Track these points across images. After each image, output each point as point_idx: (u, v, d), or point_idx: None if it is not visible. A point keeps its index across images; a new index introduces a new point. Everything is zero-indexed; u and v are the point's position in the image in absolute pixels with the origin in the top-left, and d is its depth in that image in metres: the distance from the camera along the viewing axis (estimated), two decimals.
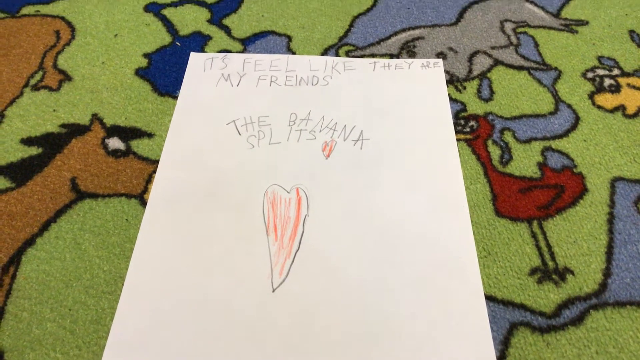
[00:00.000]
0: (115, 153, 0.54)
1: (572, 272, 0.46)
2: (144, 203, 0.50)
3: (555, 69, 0.63)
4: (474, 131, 0.56)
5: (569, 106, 0.59)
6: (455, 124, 0.57)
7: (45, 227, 0.49)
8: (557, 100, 0.59)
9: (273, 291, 0.44)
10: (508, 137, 0.56)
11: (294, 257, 0.46)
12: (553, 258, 0.47)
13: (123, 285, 0.45)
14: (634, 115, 0.58)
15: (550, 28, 0.68)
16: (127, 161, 0.54)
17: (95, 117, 0.57)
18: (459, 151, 0.54)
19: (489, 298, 0.44)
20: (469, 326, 0.42)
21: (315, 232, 0.48)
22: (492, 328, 0.43)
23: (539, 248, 0.47)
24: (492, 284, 0.45)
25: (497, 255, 0.47)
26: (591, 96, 0.60)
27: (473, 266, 0.46)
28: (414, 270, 0.45)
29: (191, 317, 0.43)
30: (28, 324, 0.43)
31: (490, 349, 0.41)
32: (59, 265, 0.46)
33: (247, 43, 0.66)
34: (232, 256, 0.46)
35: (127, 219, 0.49)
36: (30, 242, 0.48)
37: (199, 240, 0.47)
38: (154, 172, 0.52)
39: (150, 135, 0.56)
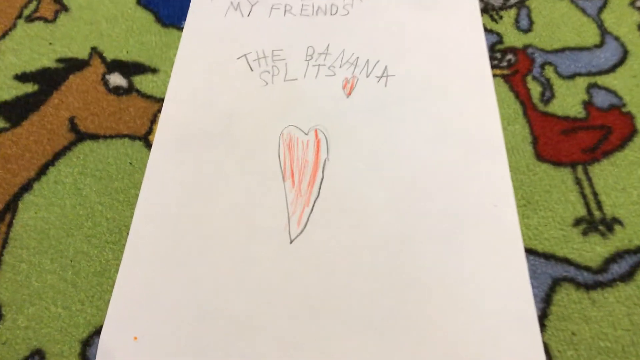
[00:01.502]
0: (117, 90, 0.50)
1: (620, 223, 0.41)
2: (148, 145, 0.46)
3: None
4: (512, 66, 0.51)
5: (616, 38, 0.53)
6: (491, 58, 0.51)
7: (42, 170, 0.45)
8: (603, 31, 0.53)
9: (290, 243, 0.40)
10: (549, 72, 0.50)
11: (313, 205, 0.42)
12: (600, 207, 0.42)
13: (128, 234, 0.41)
14: None
15: None
16: (129, 99, 0.49)
17: (95, 51, 0.52)
18: (495, 88, 0.49)
19: (529, 251, 0.40)
20: (507, 282, 0.38)
21: (336, 179, 0.43)
22: (532, 284, 0.39)
23: (584, 196, 0.43)
24: (533, 236, 0.41)
25: (537, 204, 0.42)
26: None
27: (512, 216, 0.41)
28: (445, 221, 0.41)
29: (202, 270, 0.39)
30: (27, 275, 0.40)
31: (531, 306, 0.38)
32: (58, 212, 0.43)
33: None
34: (246, 204, 0.42)
35: (130, 162, 0.45)
36: (27, 187, 0.44)
37: (209, 186, 0.43)
38: (159, 111, 0.48)
39: (154, 71, 0.51)
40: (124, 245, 0.41)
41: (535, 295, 0.38)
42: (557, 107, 0.48)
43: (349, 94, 0.48)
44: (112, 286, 0.39)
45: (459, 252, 0.40)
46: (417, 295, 0.38)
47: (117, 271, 0.40)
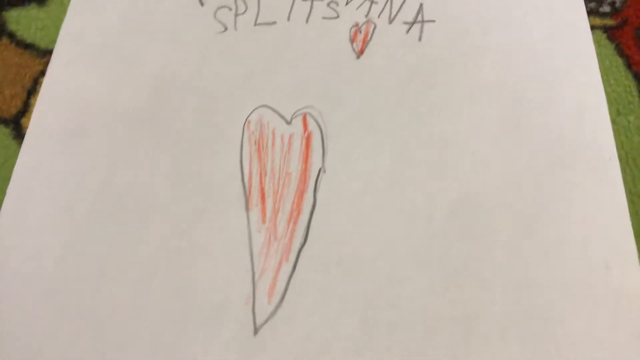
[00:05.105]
0: None
1: None
2: (20, 134, 0.29)
3: None
4: (618, 12, 0.32)
5: None
6: (586, 1, 0.32)
7: None
8: None
9: (255, 334, 0.23)
10: None
11: (297, 259, 0.24)
12: None
13: None
14: None
15: None
16: None
17: None
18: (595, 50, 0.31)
19: None
20: None
21: (338, 207, 0.26)
22: None
23: None
24: None
25: None
26: None
27: (635, 286, 0.24)
28: (526, 294, 0.24)
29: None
30: None
31: None
32: None
33: None
34: (177, 250, 0.25)
35: None
36: None
37: (118, 208, 0.26)
38: (43, 73, 0.30)
39: (40, 2, 0.33)
40: None
41: None
42: None
43: (361, 51, 0.31)
44: None
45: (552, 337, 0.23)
46: None
47: None
